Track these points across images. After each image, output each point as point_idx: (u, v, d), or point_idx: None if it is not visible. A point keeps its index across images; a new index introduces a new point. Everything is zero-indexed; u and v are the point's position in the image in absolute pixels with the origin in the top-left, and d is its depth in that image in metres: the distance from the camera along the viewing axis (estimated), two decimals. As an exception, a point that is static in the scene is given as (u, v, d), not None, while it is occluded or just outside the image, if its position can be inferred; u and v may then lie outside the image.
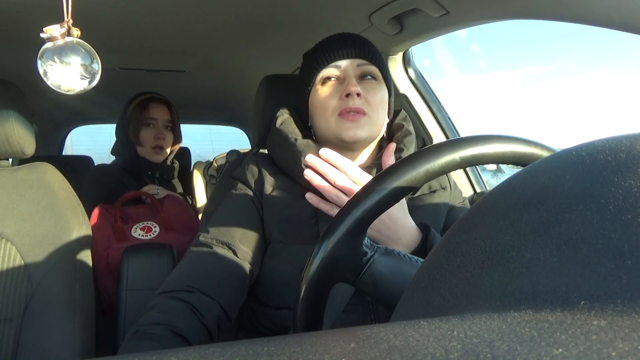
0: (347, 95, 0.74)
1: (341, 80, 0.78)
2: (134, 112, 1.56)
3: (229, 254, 0.72)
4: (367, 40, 0.82)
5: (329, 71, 0.78)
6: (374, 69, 0.79)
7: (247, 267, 0.72)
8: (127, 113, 1.56)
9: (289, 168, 0.78)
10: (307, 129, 0.84)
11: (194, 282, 0.68)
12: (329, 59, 0.78)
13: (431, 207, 0.79)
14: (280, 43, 1.33)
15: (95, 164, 2.25)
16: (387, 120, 0.83)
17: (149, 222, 1.33)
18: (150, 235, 1.30)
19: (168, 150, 1.62)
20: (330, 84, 0.78)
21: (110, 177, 1.53)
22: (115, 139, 1.63)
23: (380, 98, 0.78)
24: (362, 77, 0.78)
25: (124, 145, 1.57)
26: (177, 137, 1.65)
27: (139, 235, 1.29)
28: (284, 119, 0.83)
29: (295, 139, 0.78)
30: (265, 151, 0.90)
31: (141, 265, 1.12)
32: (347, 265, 0.44)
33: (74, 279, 0.94)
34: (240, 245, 0.73)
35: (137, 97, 1.59)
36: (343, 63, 0.78)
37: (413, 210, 0.76)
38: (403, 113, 0.87)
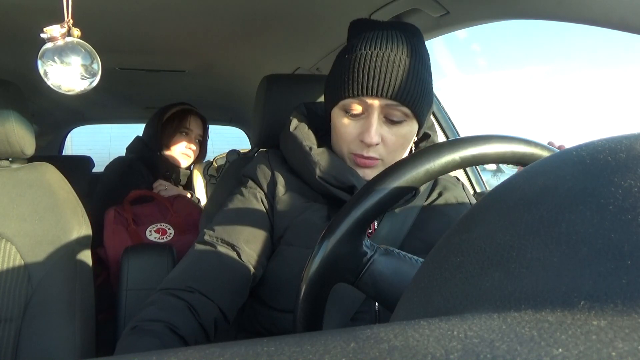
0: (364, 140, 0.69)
1: (364, 117, 0.71)
2: (172, 118, 1.63)
3: (232, 255, 0.71)
4: (410, 70, 0.68)
5: (352, 105, 0.70)
6: (404, 110, 0.69)
7: (250, 269, 0.72)
8: (163, 118, 1.63)
9: (303, 174, 0.77)
10: (324, 129, 0.81)
11: (194, 283, 0.68)
12: (356, 91, 0.68)
13: (446, 211, 0.77)
14: (280, 43, 1.33)
15: (95, 164, 2.25)
16: (412, 144, 0.77)
17: (163, 224, 1.34)
18: (165, 237, 1.30)
19: (191, 160, 1.70)
20: (350, 118, 0.72)
21: (131, 169, 1.57)
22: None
23: (402, 141, 0.72)
24: (388, 118, 0.70)
25: (148, 145, 1.62)
26: (203, 152, 1.75)
27: (155, 238, 1.29)
28: (296, 124, 0.80)
29: (310, 148, 0.75)
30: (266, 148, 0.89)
31: (141, 265, 1.12)
32: (347, 265, 0.44)
33: (74, 279, 0.94)
34: (245, 247, 0.72)
35: (176, 106, 1.67)
36: (370, 100, 0.68)
37: (429, 219, 0.75)
38: (430, 121, 0.82)
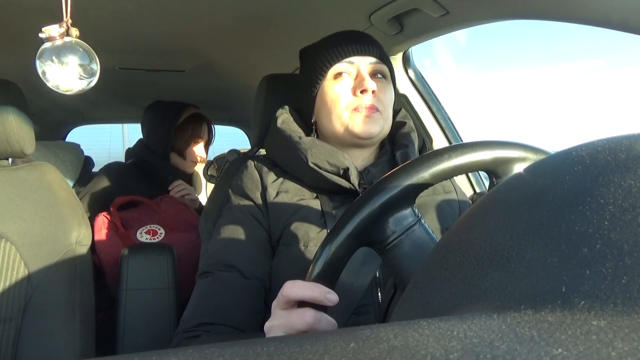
0: (362, 91, 0.73)
1: (353, 77, 0.77)
2: (185, 124, 1.58)
3: (236, 276, 0.70)
4: (376, 39, 0.81)
5: (342, 66, 0.76)
6: (385, 69, 0.79)
7: (258, 283, 0.71)
8: (175, 123, 1.57)
9: (293, 168, 0.77)
10: (309, 127, 0.82)
11: (209, 318, 0.67)
12: (342, 54, 0.76)
13: (433, 210, 0.78)
14: (280, 43, 1.33)
15: (95, 164, 2.25)
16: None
17: (152, 226, 1.34)
18: (156, 238, 1.30)
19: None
20: (342, 79, 0.76)
21: (124, 175, 1.54)
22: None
23: (390, 97, 0.78)
24: (374, 75, 0.77)
25: (153, 151, 1.57)
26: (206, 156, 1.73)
27: (146, 239, 1.29)
28: (284, 118, 0.81)
29: (300, 137, 0.76)
30: (263, 151, 0.89)
31: (141, 265, 1.12)
32: (380, 228, 0.43)
33: (74, 279, 0.94)
34: (247, 264, 0.71)
35: (185, 108, 1.61)
36: (356, 59, 0.76)
37: (426, 207, 0.75)
38: (403, 111, 0.87)
